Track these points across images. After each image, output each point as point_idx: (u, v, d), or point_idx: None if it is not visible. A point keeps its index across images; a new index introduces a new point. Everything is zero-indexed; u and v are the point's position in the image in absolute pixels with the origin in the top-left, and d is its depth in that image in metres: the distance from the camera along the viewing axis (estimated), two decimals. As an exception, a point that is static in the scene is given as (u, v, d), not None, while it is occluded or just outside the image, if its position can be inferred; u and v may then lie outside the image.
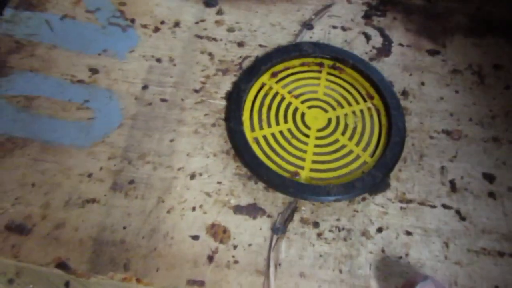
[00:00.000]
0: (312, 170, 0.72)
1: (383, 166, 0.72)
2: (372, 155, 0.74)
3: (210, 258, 0.64)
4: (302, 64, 0.82)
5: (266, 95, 0.79)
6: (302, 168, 0.72)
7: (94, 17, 0.84)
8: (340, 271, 0.64)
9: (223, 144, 0.73)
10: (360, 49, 0.84)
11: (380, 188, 0.70)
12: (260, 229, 0.66)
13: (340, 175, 0.72)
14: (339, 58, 0.82)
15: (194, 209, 0.67)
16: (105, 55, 0.80)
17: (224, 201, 0.68)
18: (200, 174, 0.70)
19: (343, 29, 0.86)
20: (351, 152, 0.74)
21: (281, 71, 0.81)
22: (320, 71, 0.82)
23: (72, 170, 0.69)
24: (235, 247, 0.65)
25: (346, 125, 0.76)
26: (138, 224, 0.66)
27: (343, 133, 0.75)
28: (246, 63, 0.81)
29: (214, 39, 0.83)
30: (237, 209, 0.68)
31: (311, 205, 0.69)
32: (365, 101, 0.79)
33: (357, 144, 0.75)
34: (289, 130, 0.75)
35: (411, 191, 0.70)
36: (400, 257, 0.65)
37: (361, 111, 0.78)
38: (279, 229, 0.66)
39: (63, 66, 0.78)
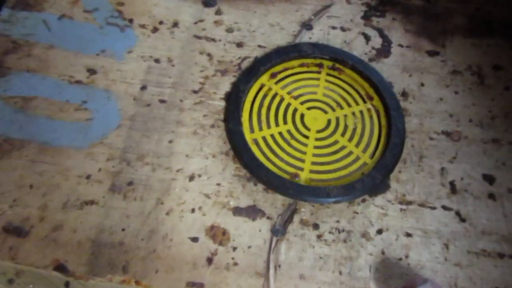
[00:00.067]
0: (311, 171, 0.72)
1: (383, 167, 0.71)
2: (371, 157, 0.74)
3: (210, 260, 0.63)
4: (302, 65, 0.82)
5: (265, 96, 0.78)
6: (301, 169, 0.72)
7: (92, 17, 0.84)
8: (340, 273, 0.64)
9: (222, 145, 0.73)
10: (360, 49, 0.84)
11: (380, 190, 0.70)
12: (260, 231, 0.66)
13: (339, 176, 0.72)
14: (339, 58, 0.81)
15: (193, 210, 0.67)
16: (103, 55, 0.79)
17: (223, 203, 0.68)
18: (199, 176, 0.70)
19: (343, 29, 0.86)
20: (350, 153, 0.74)
21: (280, 72, 0.81)
22: (319, 72, 0.81)
23: (70, 171, 0.68)
24: (234, 249, 0.64)
25: (345, 126, 0.76)
26: (137, 226, 0.65)
27: (342, 134, 0.75)
28: (245, 64, 0.81)
29: (213, 40, 0.83)
30: (237, 211, 0.67)
31: (310, 206, 0.68)
32: (364, 102, 0.79)
33: (357, 145, 0.74)
34: (289, 131, 0.75)
35: (411, 193, 0.70)
36: (400, 259, 0.65)
37: (361, 112, 0.78)
38: (278, 231, 0.66)
39: (61, 67, 0.78)
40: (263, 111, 0.77)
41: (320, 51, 0.82)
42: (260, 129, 0.75)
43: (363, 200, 0.69)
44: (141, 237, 0.64)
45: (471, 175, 0.72)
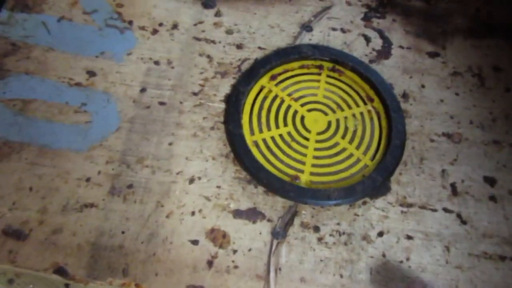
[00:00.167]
0: (312, 173, 0.71)
1: (384, 169, 0.71)
2: (372, 159, 0.73)
3: (210, 263, 0.63)
4: (302, 67, 0.82)
5: (265, 98, 0.78)
6: (302, 171, 0.71)
7: (91, 19, 0.83)
8: (341, 276, 0.63)
9: (222, 147, 0.72)
10: (360, 51, 0.83)
11: (380, 192, 0.70)
12: (260, 233, 0.66)
13: (340, 178, 0.71)
14: (339, 60, 0.81)
15: (193, 213, 0.67)
16: (103, 57, 0.79)
17: (223, 205, 0.68)
18: (199, 178, 0.69)
19: (343, 31, 0.86)
20: (351, 155, 0.73)
21: (280, 74, 0.81)
22: (319, 74, 0.81)
23: (70, 174, 0.68)
24: (234, 251, 0.64)
25: (346, 128, 0.76)
26: (137, 228, 0.65)
27: (343, 137, 0.75)
28: (245, 66, 0.80)
29: (213, 41, 0.83)
30: (237, 214, 0.67)
31: (311, 209, 0.68)
32: (365, 103, 0.79)
33: (357, 147, 0.74)
34: (289, 134, 0.75)
35: (411, 195, 0.70)
36: (401, 262, 0.65)
37: (361, 114, 0.78)
38: (279, 234, 0.66)
39: (60, 69, 0.77)
40: (263, 113, 0.76)
41: (320, 52, 0.82)
42: (260, 131, 0.75)
43: (364, 203, 0.69)
44: (141, 240, 0.64)
45: (472, 177, 0.72)
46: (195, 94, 0.77)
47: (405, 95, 0.79)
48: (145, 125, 0.73)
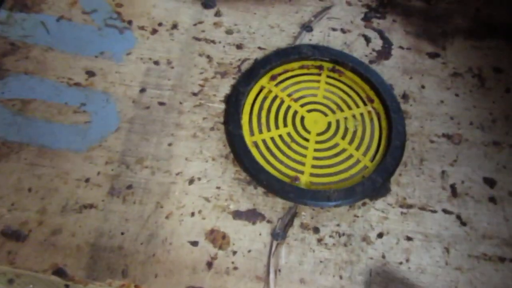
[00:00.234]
0: (312, 174, 0.71)
1: (384, 170, 0.71)
2: (372, 160, 0.73)
3: (209, 264, 0.63)
4: (302, 67, 0.81)
5: (265, 98, 0.78)
6: (302, 172, 0.71)
7: (90, 18, 0.83)
8: (341, 277, 0.63)
9: (222, 148, 0.72)
10: (360, 51, 0.83)
11: (380, 193, 0.70)
12: (260, 234, 0.66)
13: (340, 179, 0.71)
14: (339, 60, 0.81)
15: (193, 214, 0.67)
16: (102, 57, 0.79)
17: (223, 206, 0.67)
18: (199, 179, 0.69)
19: (343, 31, 0.86)
20: (351, 156, 0.73)
21: (280, 74, 0.80)
22: (319, 74, 0.81)
23: (69, 174, 0.68)
24: (234, 253, 0.64)
25: (346, 129, 0.76)
26: (136, 229, 0.65)
27: (343, 137, 0.75)
28: (245, 66, 0.80)
29: (213, 41, 0.82)
30: (237, 215, 0.67)
31: (311, 210, 0.68)
32: (365, 104, 0.78)
33: (357, 148, 0.74)
34: (289, 134, 0.75)
35: (411, 196, 0.70)
36: (401, 263, 0.65)
37: (361, 114, 0.77)
38: (279, 235, 0.66)
39: (59, 69, 0.77)
40: (263, 113, 0.76)
41: (320, 53, 0.82)
42: (260, 131, 0.75)
43: (364, 204, 0.69)
44: (141, 241, 0.64)
45: (472, 178, 0.72)
46: (194, 94, 0.77)
47: (405, 96, 0.79)
48: (144, 126, 0.73)
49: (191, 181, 0.69)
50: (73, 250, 0.63)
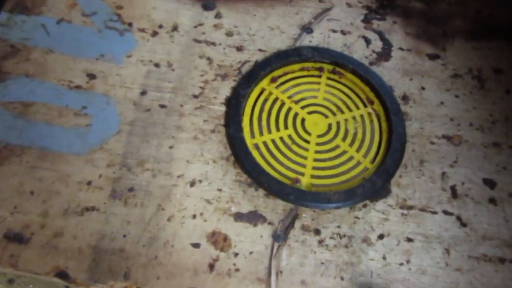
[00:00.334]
0: (312, 176, 0.72)
1: (384, 172, 0.71)
2: (372, 161, 0.74)
3: (211, 266, 0.63)
4: (302, 69, 0.82)
5: (265, 100, 0.78)
6: (302, 174, 0.72)
7: (90, 20, 0.83)
8: (342, 279, 0.64)
9: (222, 150, 0.72)
10: (360, 53, 0.83)
11: (381, 195, 0.70)
12: (261, 236, 0.66)
13: (340, 181, 0.71)
14: (339, 62, 0.81)
15: (194, 216, 0.67)
16: (102, 59, 0.79)
17: (224, 209, 0.68)
18: (200, 181, 0.70)
19: (343, 33, 0.86)
20: (351, 158, 0.74)
21: (280, 76, 0.81)
22: (320, 76, 0.81)
23: (71, 177, 0.68)
24: (236, 255, 0.64)
25: (346, 131, 0.76)
26: (138, 232, 0.65)
27: (343, 139, 0.75)
28: (245, 68, 0.80)
29: (213, 44, 0.83)
30: (238, 217, 0.67)
31: (312, 212, 0.68)
32: (365, 106, 0.79)
33: (358, 150, 0.74)
34: (290, 136, 0.75)
35: (412, 197, 0.70)
36: (401, 264, 0.65)
37: (361, 116, 0.78)
38: (280, 237, 0.66)
39: (60, 71, 0.77)
40: (264, 115, 0.76)
41: (320, 54, 0.82)
42: (261, 134, 0.75)
43: (364, 205, 0.69)
44: (142, 243, 0.64)
45: (472, 180, 0.72)
46: (195, 96, 0.77)
47: (405, 97, 0.79)
48: (145, 128, 0.73)
49: (192, 184, 0.69)
50: (75, 253, 0.63)
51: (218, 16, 0.86)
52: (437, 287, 0.64)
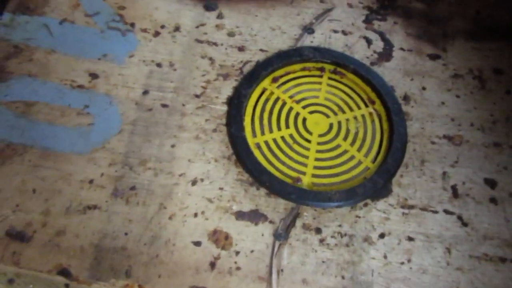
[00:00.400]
0: (314, 175, 0.72)
1: (385, 172, 0.71)
2: (373, 161, 0.74)
3: (212, 265, 0.63)
4: (303, 69, 0.82)
5: (267, 100, 0.78)
6: (304, 173, 0.72)
7: (93, 21, 0.84)
8: (343, 278, 0.64)
9: (224, 149, 0.73)
10: (361, 53, 0.84)
11: (382, 194, 0.70)
12: (262, 235, 0.66)
13: (342, 181, 0.72)
14: (340, 62, 0.82)
15: (195, 215, 0.67)
16: (105, 59, 0.79)
17: (226, 207, 0.68)
18: (202, 180, 0.70)
19: (344, 33, 0.86)
20: (352, 157, 0.74)
21: (282, 76, 0.81)
22: (321, 76, 0.82)
23: (73, 176, 0.68)
24: (237, 253, 0.65)
25: (347, 131, 0.76)
26: (140, 230, 0.65)
27: (344, 139, 0.75)
28: (247, 68, 0.81)
29: (215, 44, 0.83)
30: (239, 215, 0.67)
31: (313, 211, 0.68)
32: (366, 106, 0.79)
33: (359, 149, 0.75)
34: (291, 136, 0.75)
35: (412, 197, 0.70)
36: (402, 263, 0.65)
37: (363, 116, 0.78)
38: (281, 235, 0.66)
39: (62, 71, 0.78)
40: (265, 115, 0.77)
41: (321, 55, 0.82)
42: (262, 133, 0.75)
43: (365, 205, 0.70)
44: (144, 241, 0.64)
45: (473, 179, 0.72)
46: (197, 96, 0.77)
47: (406, 98, 0.80)
48: (147, 128, 0.74)
49: (194, 182, 0.69)
50: (77, 251, 0.63)
51: (220, 16, 0.86)
52: (438, 286, 0.64)
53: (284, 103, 0.78)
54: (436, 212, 0.69)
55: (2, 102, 0.73)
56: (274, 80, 0.80)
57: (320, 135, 0.76)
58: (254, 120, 0.76)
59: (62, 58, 0.79)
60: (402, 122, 0.76)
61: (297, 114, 0.77)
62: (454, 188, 0.71)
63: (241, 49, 0.83)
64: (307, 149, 0.74)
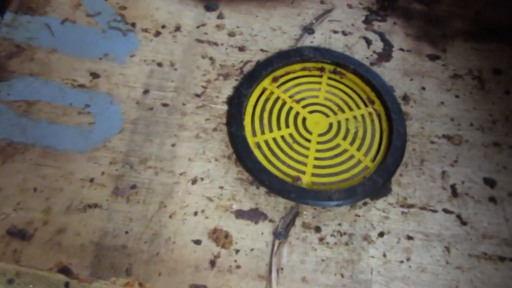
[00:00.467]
0: (313, 175, 0.72)
1: (384, 171, 0.72)
2: (373, 160, 0.74)
3: (212, 263, 0.64)
4: (303, 69, 0.82)
5: (267, 99, 0.79)
6: (303, 173, 0.72)
7: (94, 21, 0.84)
8: (342, 276, 0.64)
9: (224, 149, 0.73)
10: (361, 53, 0.84)
11: (381, 193, 0.71)
12: (262, 234, 0.66)
13: (341, 180, 0.72)
14: (340, 62, 0.82)
15: (196, 214, 0.67)
16: (106, 59, 0.80)
17: (226, 206, 0.68)
18: (202, 179, 0.70)
19: (344, 33, 0.87)
20: (352, 157, 0.74)
21: (282, 76, 0.81)
22: (321, 76, 0.82)
23: (74, 175, 0.69)
24: (237, 252, 0.65)
25: (347, 130, 0.76)
26: (140, 229, 0.66)
27: (344, 138, 0.76)
28: (247, 68, 0.81)
29: (215, 44, 0.83)
30: (239, 214, 0.68)
31: (312, 210, 0.69)
32: (366, 106, 0.79)
33: (358, 149, 0.75)
34: (291, 135, 0.75)
35: (412, 196, 0.71)
36: (402, 262, 0.65)
37: (362, 116, 0.78)
38: (281, 234, 0.66)
39: (64, 71, 0.78)
40: (265, 115, 0.77)
41: (321, 55, 0.82)
42: (262, 132, 0.75)
43: (365, 204, 0.70)
44: (144, 240, 0.65)
45: (472, 179, 0.72)
46: (197, 95, 0.78)
47: (405, 98, 0.80)
48: (148, 127, 0.74)
49: (194, 181, 0.70)
50: (77, 249, 0.63)
51: (220, 16, 0.87)
52: (437, 285, 0.64)
53: (284, 103, 0.78)
54: (435, 211, 0.70)
55: (4, 101, 0.74)
56: (274, 80, 0.81)
57: (320, 135, 0.76)
58: (254, 120, 0.76)
59: (64, 58, 0.79)
60: (401, 121, 0.76)
61: (297, 113, 0.78)
62: (453, 188, 0.72)
63: (241, 49, 0.83)
64: (307, 148, 0.74)
